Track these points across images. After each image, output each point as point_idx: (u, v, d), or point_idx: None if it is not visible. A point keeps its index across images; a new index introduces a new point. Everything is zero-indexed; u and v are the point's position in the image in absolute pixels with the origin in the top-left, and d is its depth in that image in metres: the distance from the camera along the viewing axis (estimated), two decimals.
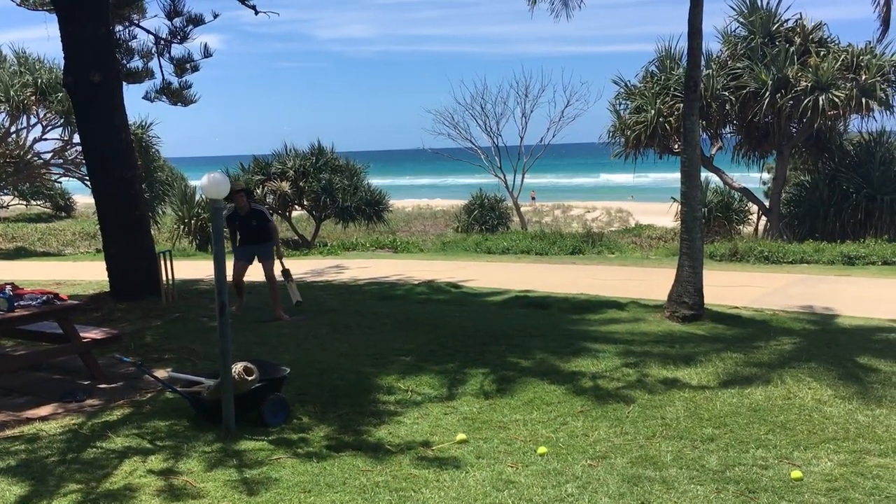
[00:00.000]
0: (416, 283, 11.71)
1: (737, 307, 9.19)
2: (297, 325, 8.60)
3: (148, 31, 11.42)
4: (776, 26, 17.54)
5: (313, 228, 25.07)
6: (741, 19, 18.08)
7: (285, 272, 9.12)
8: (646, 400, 5.92)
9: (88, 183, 23.31)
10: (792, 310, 9.15)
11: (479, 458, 4.90)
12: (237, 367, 5.38)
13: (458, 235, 22.51)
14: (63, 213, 36.00)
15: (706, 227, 22.80)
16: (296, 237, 24.86)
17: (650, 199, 41.91)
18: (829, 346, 7.36)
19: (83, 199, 36.98)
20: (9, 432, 5.45)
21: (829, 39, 17.52)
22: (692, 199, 8.19)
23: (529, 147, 27.87)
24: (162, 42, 11.60)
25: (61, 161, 21.99)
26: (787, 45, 16.93)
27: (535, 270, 13.13)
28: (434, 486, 4.46)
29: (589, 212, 37.84)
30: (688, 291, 8.23)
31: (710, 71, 17.19)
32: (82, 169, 22.22)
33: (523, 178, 27.45)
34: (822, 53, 16.89)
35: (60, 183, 28.79)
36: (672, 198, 24.30)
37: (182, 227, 20.75)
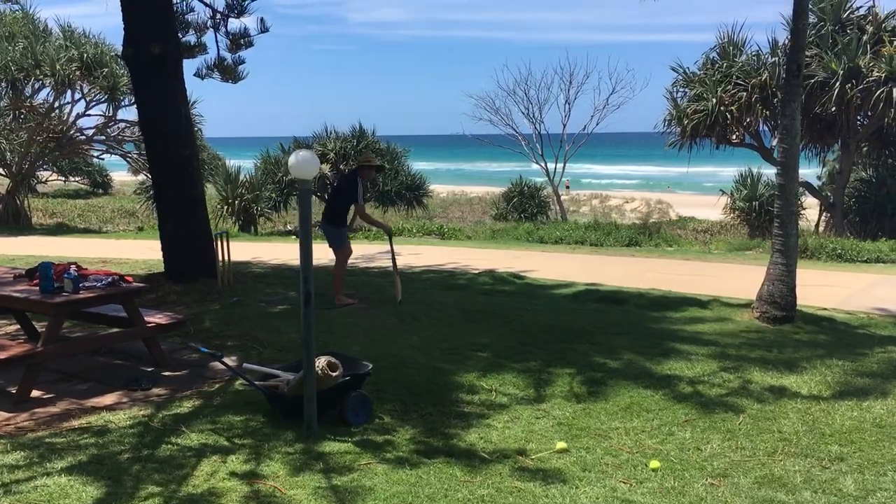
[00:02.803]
0: (477, 272, 11.24)
1: (826, 308, 8.64)
2: (363, 315, 8.19)
3: (206, 4, 10.99)
4: (847, 13, 16.77)
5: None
6: (810, 6, 17.28)
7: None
8: (756, 410, 5.44)
9: (128, 160, 23.32)
10: (885, 313, 8.58)
11: (584, 470, 4.46)
12: (321, 362, 4.98)
13: (501, 224, 21.99)
14: (100, 190, 36.05)
15: (756, 221, 22.05)
16: None
17: (686, 190, 41.20)
18: None
19: (119, 176, 37.04)
20: (75, 423, 5.10)
21: None
22: (789, 192, 7.63)
23: (571, 135, 27.26)
24: (219, 15, 11.19)
25: (103, 137, 21.80)
26: (859, 34, 16.17)
27: (595, 262, 12.61)
28: (544, 503, 4.04)
29: (628, 202, 37.04)
30: (780, 291, 7.68)
31: (776, 59, 16.48)
32: (124, 146, 22.05)
33: (564, 166, 26.84)
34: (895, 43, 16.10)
35: (102, 159, 28.65)
36: (720, 190, 23.62)
37: (225, 207, 20.46)
